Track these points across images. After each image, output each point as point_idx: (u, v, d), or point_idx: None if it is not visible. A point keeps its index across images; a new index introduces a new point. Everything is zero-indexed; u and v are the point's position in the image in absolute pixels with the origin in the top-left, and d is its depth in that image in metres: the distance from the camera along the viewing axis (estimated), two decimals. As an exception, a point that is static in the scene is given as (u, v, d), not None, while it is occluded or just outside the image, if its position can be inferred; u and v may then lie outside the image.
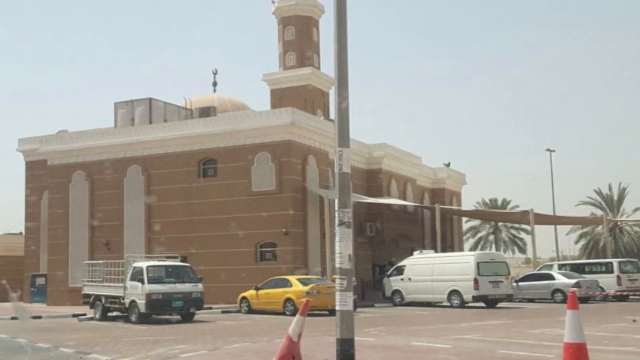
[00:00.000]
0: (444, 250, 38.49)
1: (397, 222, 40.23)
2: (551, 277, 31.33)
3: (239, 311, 26.85)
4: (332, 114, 22.48)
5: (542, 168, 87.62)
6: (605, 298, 31.05)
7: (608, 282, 31.40)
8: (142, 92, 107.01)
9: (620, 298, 31.31)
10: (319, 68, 44.02)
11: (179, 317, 23.19)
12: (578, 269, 33.96)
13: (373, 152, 39.53)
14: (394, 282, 30.91)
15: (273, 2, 44.28)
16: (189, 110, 38.26)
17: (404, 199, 40.97)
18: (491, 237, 71.94)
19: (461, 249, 49.01)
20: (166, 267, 23.84)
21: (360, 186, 36.88)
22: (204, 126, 33.69)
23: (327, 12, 44.18)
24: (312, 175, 32.91)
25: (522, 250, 72.03)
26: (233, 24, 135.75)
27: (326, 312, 23.00)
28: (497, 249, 69.23)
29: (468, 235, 69.35)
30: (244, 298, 26.92)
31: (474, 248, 67.47)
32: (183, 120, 35.98)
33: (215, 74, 47.65)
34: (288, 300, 24.67)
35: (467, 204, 55.02)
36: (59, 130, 39.34)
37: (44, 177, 37.80)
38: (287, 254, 31.22)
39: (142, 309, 22.05)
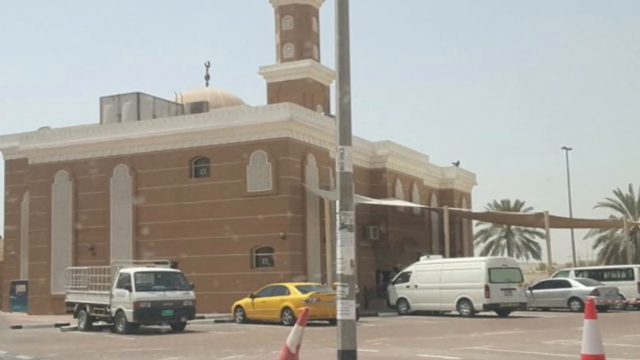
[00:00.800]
0: (452, 255, 38.52)
1: (403, 225, 40.25)
2: (567, 284, 31.35)
3: (233, 320, 26.87)
4: (333, 110, 22.41)
5: (557, 167, 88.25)
6: (626, 306, 31.07)
7: (628, 289, 31.42)
8: (130, 86, 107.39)
9: (642, 306, 31.33)
10: (319, 60, 44.03)
11: (169, 327, 23.20)
12: (596, 275, 34.00)
13: (377, 151, 39.56)
14: (399, 290, 30.92)
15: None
16: (180, 105, 38.29)
17: (410, 200, 41.00)
18: (503, 242, 72.09)
19: (471, 254, 49.06)
20: (155, 273, 23.87)
21: (363, 187, 36.91)
22: (195, 122, 33.72)
23: (327, 1, 44.28)
24: (311, 175, 32.93)
25: (537, 255, 72.22)
26: (227, 13, 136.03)
27: (327, 322, 23.02)
28: (510, 254, 69.40)
29: (479, 239, 69.51)
30: (238, 307, 26.94)
31: (484, 253, 67.64)
32: (173, 116, 36.01)
33: (207, 66, 47.78)
34: (286, 309, 24.68)
35: (478, 206, 55.17)
36: (40, 127, 39.34)
37: (25, 177, 37.80)
38: (285, 260, 31.24)
39: (130, 318, 22.04)
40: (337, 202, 9.39)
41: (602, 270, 36.21)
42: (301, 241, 31.94)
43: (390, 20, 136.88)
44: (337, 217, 9.31)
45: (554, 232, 42.04)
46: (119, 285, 22.74)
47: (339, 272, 9.20)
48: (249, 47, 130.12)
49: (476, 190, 52.82)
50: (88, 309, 24.22)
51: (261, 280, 28.76)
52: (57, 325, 25.96)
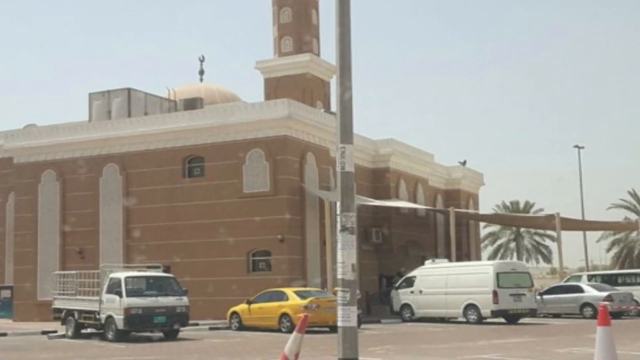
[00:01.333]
0: (459, 259, 38.54)
1: (407, 228, 40.26)
2: (580, 290, 31.36)
3: (228, 327, 26.90)
4: (334, 106, 22.39)
5: (569, 167, 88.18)
6: (641, 313, 31.08)
7: (643, 295, 31.45)
8: (120, 82, 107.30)
9: (658, 313, 31.34)
10: (318, 55, 44.04)
11: (161, 334, 23.23)
12: (610, 280, 34.03)
13: (380, 149, 39.57)
14: (403, 295, 30.93)
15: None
16: (173, 101, 38.30)
17: (415, 201, 41.01)
18: (512, 245, 72.14)
19: (479, 258, 49.07)
20: (147, 278, 23.87)
21: (365, 187, 36.92)
22: (189, 120, 33.72)
23: (327, -8, 44.24)
24: (311, 175, 32.94)
25: (547, 259, 72.28)
26: (222, 5, 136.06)
27: (327, 329, 23.04)
28: (519, 257, 69.44)
29: (486, 242, 69.55)
30: (234, 313, 26.95)
31: (492, 257, 67.65)
32: (166, 113, 36.01)
33: (202, 61, 47.85)
34: (284, 315, 24.70)
35: (486, 207, 55.19)
36: (26, 125, 39.39)
37: (10, 177, 37.80)
38: (283, 264, 31.23)
39: (120, 325, 22.05)
40: (338, 204, 9.39)
41: (616, 275, 36.23)
42: (300, 244, 31.94)
43: (394, 12, 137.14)
44: (338, 219, 9.31)
45: (566, 235, 42.04)
46: (109, 291, 22.73)
47: (339, 276, 9.20)
48: (245, 41, 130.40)
49: (484, 191, 52.90)
50: (76, 315, 24.22)
51: (258, 285, 28.76)
52: (44, 333, 25.97)
